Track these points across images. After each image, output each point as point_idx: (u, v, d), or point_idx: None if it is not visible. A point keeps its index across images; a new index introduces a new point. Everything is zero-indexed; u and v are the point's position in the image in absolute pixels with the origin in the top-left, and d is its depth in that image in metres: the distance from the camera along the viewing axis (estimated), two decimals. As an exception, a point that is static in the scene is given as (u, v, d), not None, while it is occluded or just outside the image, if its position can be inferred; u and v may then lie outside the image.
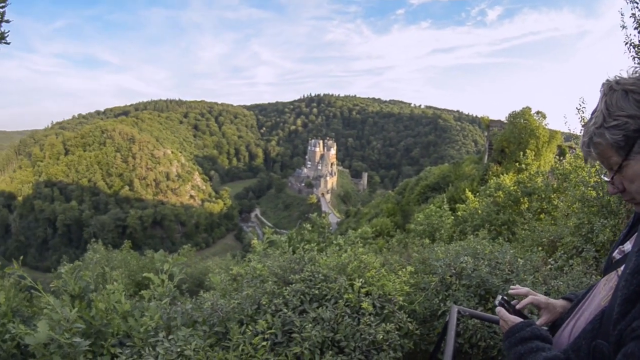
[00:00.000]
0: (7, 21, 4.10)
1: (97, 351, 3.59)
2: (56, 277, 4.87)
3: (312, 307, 3.90)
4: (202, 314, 4.01)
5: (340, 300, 3.89)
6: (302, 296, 4.04)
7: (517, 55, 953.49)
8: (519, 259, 5.01)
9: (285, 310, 3.79)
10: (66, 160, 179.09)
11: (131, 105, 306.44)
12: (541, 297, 2.26)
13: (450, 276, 4.68)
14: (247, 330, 3.56)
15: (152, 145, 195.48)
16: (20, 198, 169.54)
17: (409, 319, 3.93)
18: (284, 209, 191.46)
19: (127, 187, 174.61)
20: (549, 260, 5.72)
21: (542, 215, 10.99)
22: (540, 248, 7.08)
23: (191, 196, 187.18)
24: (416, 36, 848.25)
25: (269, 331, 3.58)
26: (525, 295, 2.27)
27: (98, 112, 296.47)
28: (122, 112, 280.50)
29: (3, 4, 3.99)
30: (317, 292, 4.08)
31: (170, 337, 3.50)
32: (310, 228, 11.84)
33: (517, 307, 2.17)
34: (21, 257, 4.44)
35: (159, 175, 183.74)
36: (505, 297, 2.23)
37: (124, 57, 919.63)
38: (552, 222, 9.75)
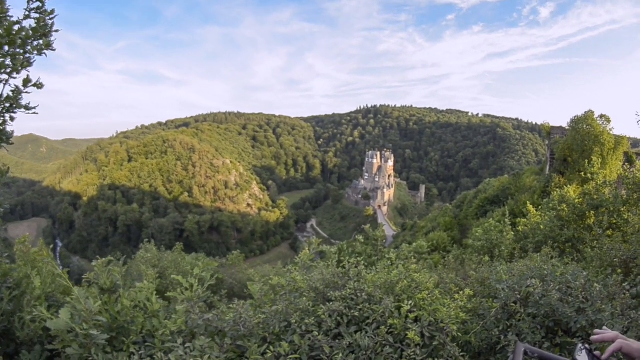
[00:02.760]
0: (57, 31, 4.31)
1: (118, 346, 3.62)
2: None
3: (349, 331, 3.44)
4: (224, 325, 3.72)
5: (383, 327, 3.39)
6: (339, 317, 3.60)
7: (575, 54, 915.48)
8: (594, 284, 4.14)
9: (316, 333, 3.34)
10: (129, 167, 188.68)
11: (191, 117, 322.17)
12: (634, 345, 1.73)
13: (515, 303, 3.96)
14: (268, 350, 3.24)
15: (211, 155, 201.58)
16: (85, 198, 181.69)
17: (461, 353, 3.33)
18: (340, 220, 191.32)
19: (186, 194, 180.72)
20: (624, 284, 4.85)
21: (609, 231, 9.96)
22: (611, 269, 6.21)
23: (248, 204, 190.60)
24: (469, 41, 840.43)
25: (292, 356, 3.21)
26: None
27: (160, 123, 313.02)
28: (182, 124, 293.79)
29: (52, 16, 4.23)
30: (357, 314, 3.63)
31: (187, 344, 3.29)
32: (362, 240, 11.34)
33: (603, 358, 1.69)
34: (51, 246, 4.66)
35: (217, 183, 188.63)
36: (587, 347, 1.72)
37: (183, 73, 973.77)
38: (623, 239, 8.76)
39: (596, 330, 1.87)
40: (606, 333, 1.82)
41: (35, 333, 3.78)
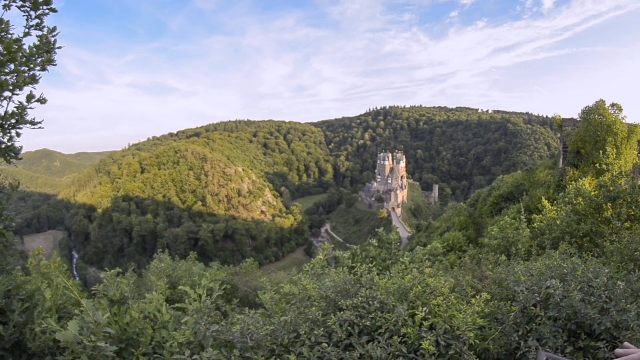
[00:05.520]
0: (60, 48, 4.42)
1: (128, 357, 3.62)
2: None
3: (360, 342, 3.32)
4: (230, 337, 3.61)
5: (396, 336, 3.23)
6: (350, 328, 3.46)
7: (581, 44, 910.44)
8: (617, 282, 3.90)
9: (326, 345, 3.22)
10: (142, 178, 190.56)
11: (202, 127, 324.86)
12: None
13: (534, 306, 3.77)
14: None
15: (223, 163, 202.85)
16: (100, 210, 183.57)
17: (479, 361, 3.14)
18: (354, 224, 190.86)
19: (200, 203, 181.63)
20: None
21: (627, 223, 9.68)
22: (633, 264, 5.97)
23: (262, 212, 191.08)
24: (474, 38, 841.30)
25: None
26: None
27: (171, 134, 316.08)
28: (193, 134, 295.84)
29: (54, 33, 4.33)
30: (369, 323, 3.49)
31: (194, 357, 3.24)
32: (376, 244, 11.16)
33: None
34: (59, 259, 4.74)
35: (230, 191, 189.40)
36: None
37: (192, 83, 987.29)
38: (643, 231, 8.49)
39: (617, 351, 1.70)
40: (631, 354, 1.64)
41: (46, 344, 3.79)
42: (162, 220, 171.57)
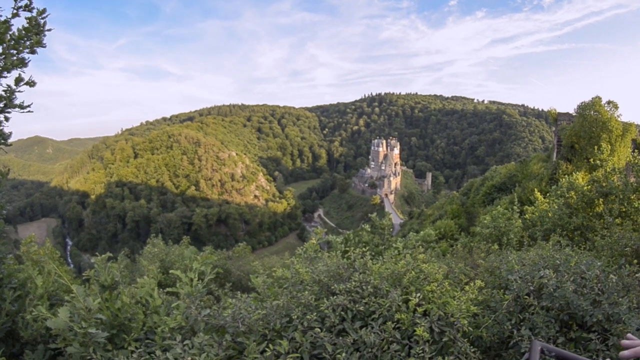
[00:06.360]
0: (50, 30, 4.35)
1: (120, 343, 3.60)
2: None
3: (353, 327, 3.28)
4: (222, 322, 3.58)
5: (389, 322, 3.20)
6: (343, 312, 3.43)
7: (581, 40, 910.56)
8: (610, 275, 3.91)
9: (319, 329, 3.19)
10: (135, 163, 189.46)
11: (195, 111, 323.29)
12: None
13: (527, 295, 3.76)
14: (267, 349, 3.08)
15: (217, 147, 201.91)
16: (93, 196, 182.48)
17: (472, 349, 3.13)
18: (347, 209, 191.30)
19: (193, 187, 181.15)
20: (637, 275, 4.62)
21: (618, 219, 9.74)
22: (623, 259, 6.00)
23: (255, 196, 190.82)
24: (473, 27, 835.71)
25: (292, 355, 3.05)
26: None
27: (164, 119, 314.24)
28: (187, 118, 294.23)
29: (44, 15, 4.26)
30: (362, 308, 3.46)
31: (185, 342, 3.18)
32: (369, 229, 11.16)
33: None
34: (48, 245, 4.68)
35: (224, 176, 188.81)
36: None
37: (186, 67, 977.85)
38: (633, 227, 8.57)
39: (624, 342, 1.68)
40: (637, 345, 1.62)
41: (38, 332, 3.78)
42: (155, 205, 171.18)
